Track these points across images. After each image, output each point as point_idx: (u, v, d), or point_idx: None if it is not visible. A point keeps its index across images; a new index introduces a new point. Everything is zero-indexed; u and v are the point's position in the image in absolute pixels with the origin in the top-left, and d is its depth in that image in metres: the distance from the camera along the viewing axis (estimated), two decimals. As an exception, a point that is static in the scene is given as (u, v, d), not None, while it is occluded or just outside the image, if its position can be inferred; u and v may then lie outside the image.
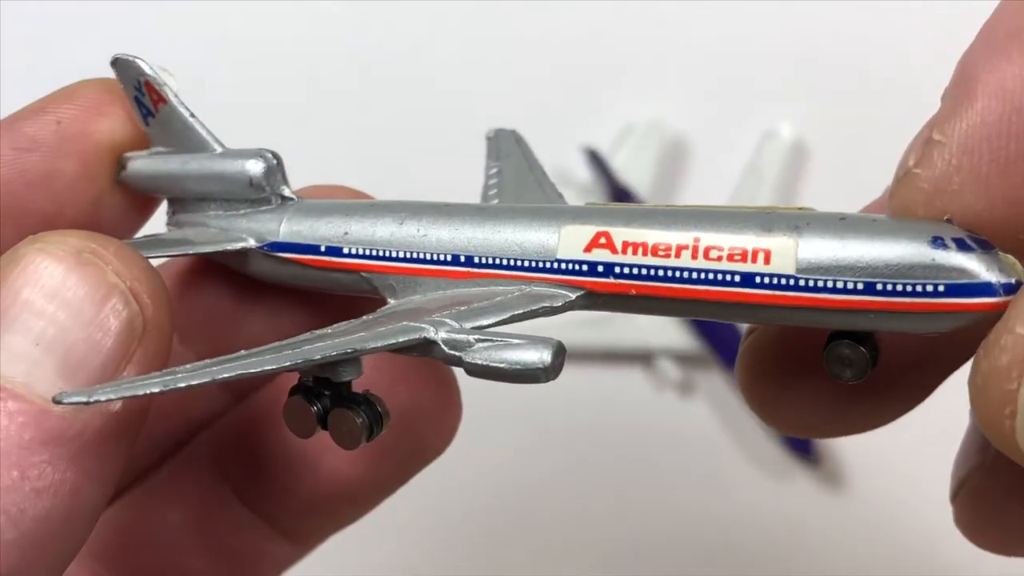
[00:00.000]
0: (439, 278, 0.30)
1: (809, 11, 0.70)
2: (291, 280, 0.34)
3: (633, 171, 0.70)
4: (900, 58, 0.67)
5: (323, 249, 0.32)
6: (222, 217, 0.34)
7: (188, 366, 0.25)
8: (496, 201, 0.36)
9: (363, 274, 0.32)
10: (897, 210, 0.24)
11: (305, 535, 0.38)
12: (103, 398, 0.24)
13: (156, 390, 0.24)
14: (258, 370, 0.24)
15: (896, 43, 0.67)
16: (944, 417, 0.64)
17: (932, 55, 0.59)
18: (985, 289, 0.23)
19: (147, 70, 0.33)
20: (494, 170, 0.37)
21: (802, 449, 0.65)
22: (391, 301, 0.31)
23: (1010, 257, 0.24)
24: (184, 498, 0.36)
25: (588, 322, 0.68)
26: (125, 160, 0.35)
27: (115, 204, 0.34)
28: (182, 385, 0.24)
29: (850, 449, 0.66)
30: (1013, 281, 0.23)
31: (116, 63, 0.34)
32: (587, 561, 0.66)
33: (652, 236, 0.26)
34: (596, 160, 0.70)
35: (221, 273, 0.36)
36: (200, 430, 0.37)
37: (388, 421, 0.28)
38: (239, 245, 0.34)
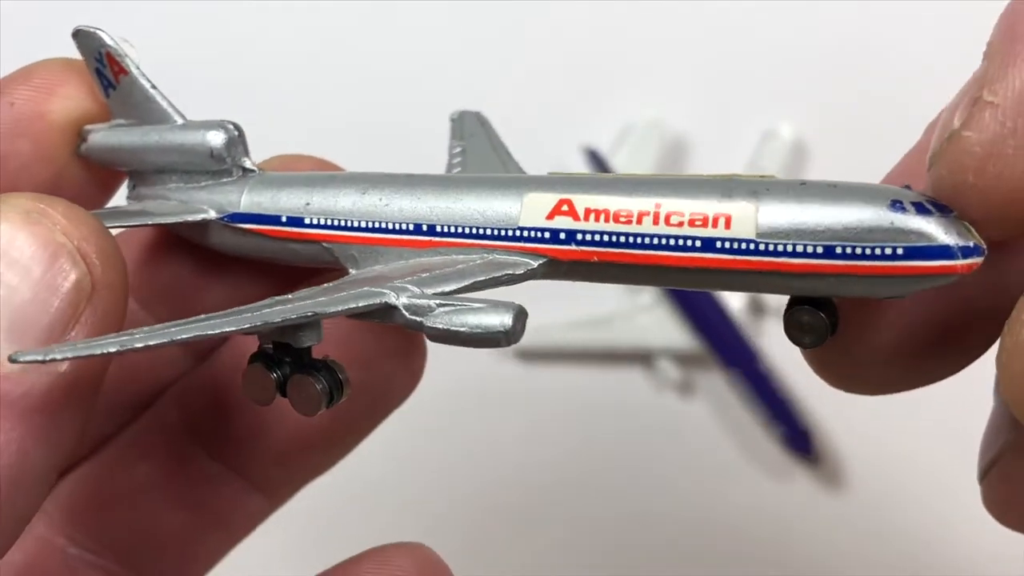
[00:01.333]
0: (401, 247, 0.30)
1: (809, 11, 0.69)
2: (252, 252, 0.34)
3: (633, 171, 0.70)
4: (900, 58, 0.67)
5: (284, 220, 0.32)
6: (183, 189, 0.34)
7: (146, 328, 0.25)
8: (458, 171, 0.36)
9: (325, 244, 0.32)
10: (942, 176, 0.23)
11: (276, 486, 0.38)
12: (59, 356, 0.23)
13: (113, 350, 0.24)
14: (216, 331, 0.25)
15: (896, 43, 0.67)
16: (944, 417, 0.64)
17: (933, 55, 0.59)
18: (944, 252, 0.23)
19: (108, 41, 0.33)
20: (457, 149, 0.38)
21: (802, 449, 0.65)
22: (352, 271, 0.31)
23: (965, 223, 0.24)
24: (152, 453, 0.36)
25: (588, 322, 0.68)
26: (85, 133, 0.34)
27: (75, 181, 0.34)
28: (139, 345, 0.24)
29: (850, 449, 0.66)
30: (971, 244, 0.23)
31: (77, 35, 0.34)
32: (586, 560, 0.66)
33: (614, 203, 0.27)
34: (596, 160, 0.70)
35: (184, 246, 0.36)
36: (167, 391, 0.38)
37: (348, 388, 0.28)
38: (199, 216, 0.33)
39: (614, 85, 0.73)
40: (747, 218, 0.25)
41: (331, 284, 0.28)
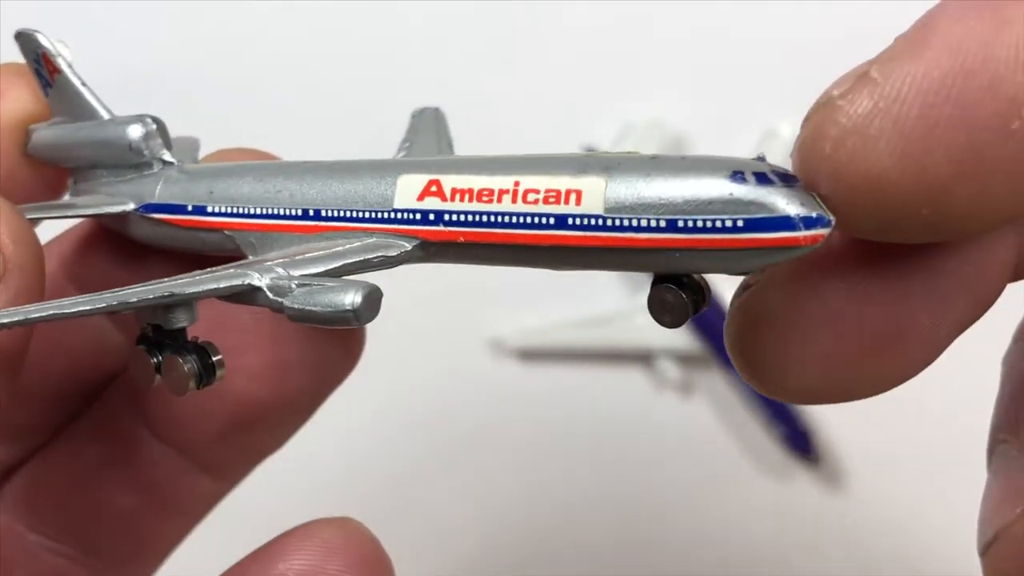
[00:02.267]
0: (292, 233, 0.30)
1: (809, 11, 0.69)
2: (168, 242, 0.34)
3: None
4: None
5: (190, 208, 0.33)
6: (112, 183, 0.35)
7: (9, 309, 0.26)
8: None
9: (226, 232, 0.32)
10: (803, 139, 0.23)
11: (223, 466, 0.38)
12: None
13: None
14: (72, 311, 0.25)
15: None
16: (945, 417, 0.64)
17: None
18: (784, 223, 0.22)
19: (43, 42, 0.34)
20: (406, 144, 0.38)
21: (802, 449, 0.65)
22: (251, 257, 0.31)
23: (815, 196, 0.23)
24: (102, 438, 0.37)
25: (588, 322, 0.68)
26: (30, 132, 0.35)
27: (24, 181, 0.35)
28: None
29: (850, 449, 0.66)
30: (814, 215, 0.22)
31: (19, 37, 0.35)
32: (586, 560, 0.66)
33: (478, 182, 0.26)
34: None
35: (118, 239, 0.37)
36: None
37: (222, 370, 0.28)
38: (118, 208, 0.34)
39: (614, 85, 0.73)
40: (596, 193, 0.24)
41: (216, 268, 0.29)
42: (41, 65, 0.35)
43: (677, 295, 0.25)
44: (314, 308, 0.25)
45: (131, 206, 0.34)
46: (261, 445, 0.38)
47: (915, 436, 0.64)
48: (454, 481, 0.66)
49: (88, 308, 0.26)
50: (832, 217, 0.22)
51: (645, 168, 0.24)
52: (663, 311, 0.25)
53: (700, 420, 0.68)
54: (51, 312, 0.25)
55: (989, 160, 0.21)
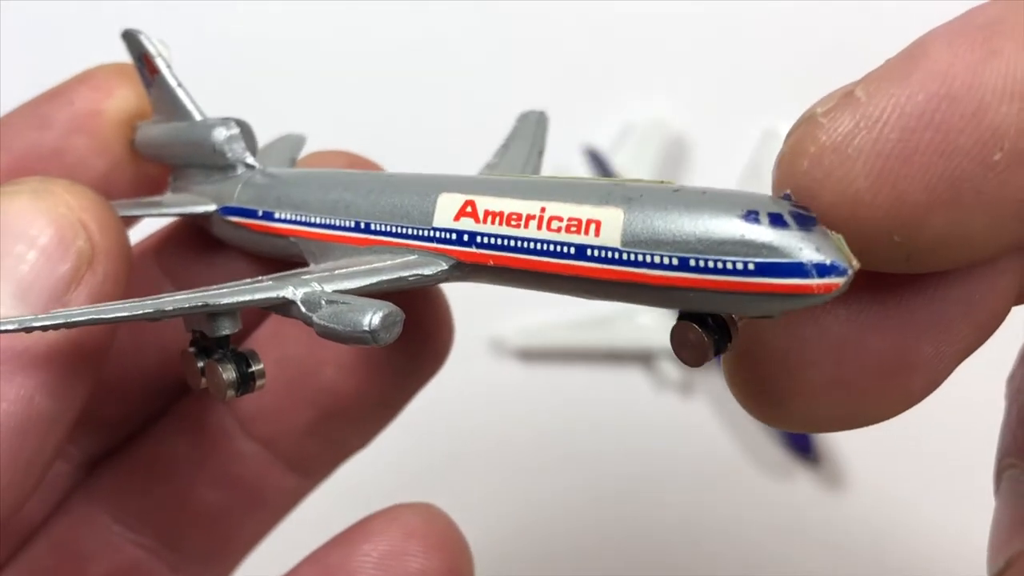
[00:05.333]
0: (346, 244, 0.31)
1: (810, 11, 0.69)
2: (244, 244, 0.35)
3: (634, 171, 0.70)
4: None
5: (260, 213, 0.33)
6: (201, 183, 0.36)
7: (49, 313, 0.27)
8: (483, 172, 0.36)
9: (291, 239, 0.33)
10: (783, 154, 0.22)
11: (309, 462, 0.38)
12: (10, 328, 0.25)
13: (45, 323, 0.26)
14: (111, 316, 0.26)
15: (897, 44, 0.67)
16: (945, 417, 0.64)
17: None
18: (796, 269, 0.21)
19: (144, 42, 0.35)
20: (502, 149, 0.38)
21: (802, 449, 0.65)
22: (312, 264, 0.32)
23: (838, 237, 0.22)
24: (191, 431, 0.38)
25: (588, 322, 0.68)
26: (135, 129, 0.36)
27: (128, 175, 0.36)
28: (36, 325, 0.26)
29: (850, 449, 0.66)
30: (828, 262, 0.21)
31: (125, 36, 0.36)
32: (585, 559, 0.66)
33: (508, 205, 0.26)
34: (597, 160, 0.70)
35: (207, 236, 0.38)
36: None
37: (262, 380, 0.29)
38: (200, 209, 0.35)
39: (615, 85, 0.73)
40: (615, 224, 0.24)
41: (257, 278, 0.29)
42: (143, 64, 0.36)
43: (699, 335, 0.24)
44: (336, 327, 0.26)
45: (212, 207, 0.35)
46: (347, 441, 0.38)
47: (915, 436, 0.64)
48: (454, 480, 0.66)
49: (127, 315, 0.26)
50: (852, 265, 0.21)
51: (664, 202, 0.23)
52: (683, 348, 0.24)
53: (700, 420, 0.68)
54: (90, 316, 0.26)
55: (967, 191, 0.20)
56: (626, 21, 0.73)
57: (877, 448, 0.65)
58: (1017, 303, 0.25)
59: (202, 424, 0.38)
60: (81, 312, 0.26)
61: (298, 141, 0.40)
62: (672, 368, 0.67)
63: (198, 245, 0.38)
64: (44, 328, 0.26)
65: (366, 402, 0.37)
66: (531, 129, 0.39)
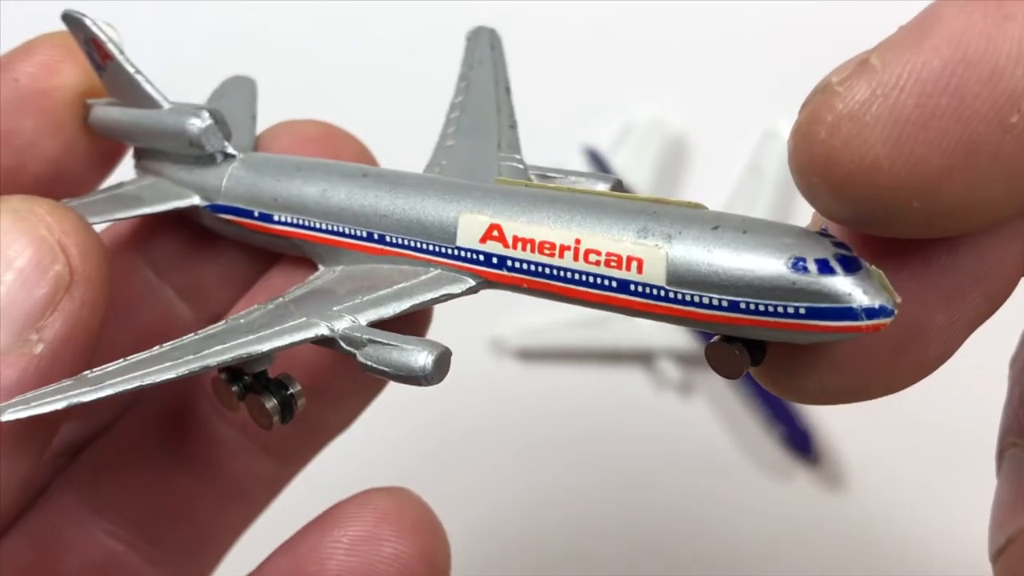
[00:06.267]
0: (358, 252, 0.31)
1: (810, 11, 0.69)
2: (240, 238, 0.35)
3: (633, 170, 0.70)
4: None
5: (256, 215, 0.33)
6: (177, 168, 0.35)
7: (73, 381, 0.27)
8: (455, 116, 0.36)
9: (295, 240, 0.33)
10: (800, 124, 0.22)
11: (286, 447, 0.38)
12: (61, 406, 0.26)
13: (61, 406, 0.26)
14: (155, 381, 0.26)
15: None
16: (945, 417, 0.64)
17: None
18: (847, 313, 0.22)
19: (91, 26, 0.34)
20: (463, 83, 0.38)
21: (802, 449, 0.65)
22: (320, 267, 0.32)
23: (879, 273, 0.23)
24: (166, 418, 0.37)
25: (588, 322, 0.68)
26: (88, 107, 0.35)
27: (82, 153, 0.35)
28: (67, 404, 0.26)
29: (850, 449, 0.66)
30: (876, 305, 0.22)
31: (67, 19, 0.34)
32: (585, 560, 0.66)
33: (539, 233, 0.27)
34: (596, 160, 0.70)
35: (190, 221, 0.37)
36: None
37: (302, 400, 0.30)
38: (186, 203, 0.35)
39: (615, 85, 0.73)
40: (658, 264, 0.25)
41: (286, 299, 0.30)
42: (92, 49, 0.34)
43: (735, 352, 0.25)
44: (386, 368, 0.26)
45: (197, 200, 0.35)
46: (324, 422, 0.38)
47: (915, 436, 0.64)
48: (454, 480, 0.66)
49: (173, 376, 0.26)
50: (896, 302, 0.23)
51: (706, 241, 0.24)
52: (721, 364, 0.25)
53: (700, 420, 0.68)
54: (136, 385, 0.26)
55: (984, 154, 0.20)
56: (626, 21, 0.73)
57: (877, 448, 0.65)
58: None
59: (176, 409, 0.37)
60: (120, 381, 0.26)
61: (249, 87, 0.40)
62: (672, 368, 0.67)
63: (188, 236, 0.37)
64: (88, 401, 0.26)
65: (344, 380, 0.36)
66: (488, 55, 0.38)
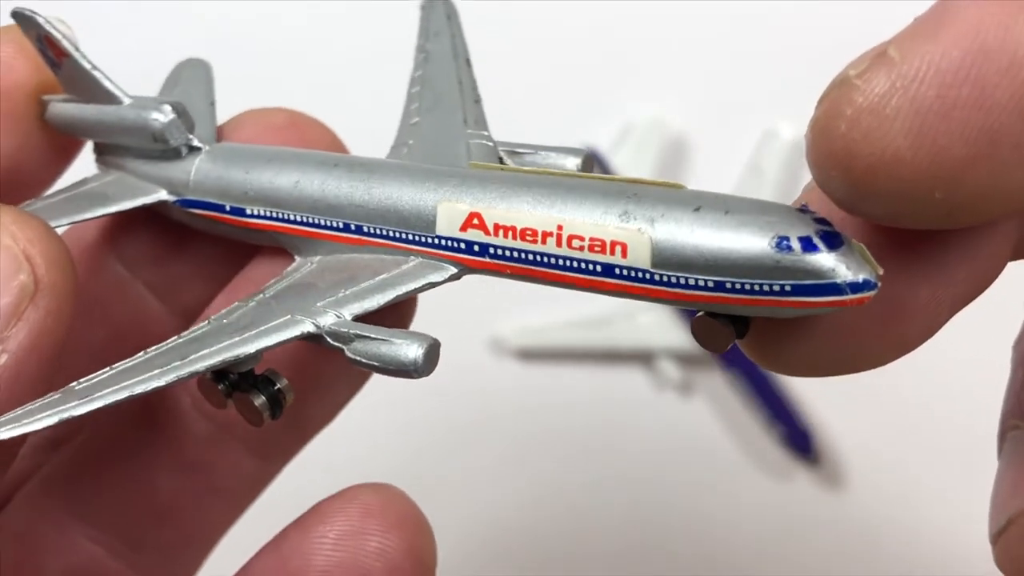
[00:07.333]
0: (335, 242, 0.31)
1: (810, 11, 0.69)
2: (213, 231, 0.35)
3: (633, 170, 0.70)
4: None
5: (228, 209, 0.33)
6: (141, 163, 0.35)
7: (61, 395, 0.26)
8: (416, 91, 0.36)
9: (270, 233, 0.32)
10: (818, 118, 0.22)
11: (267, 443, 0.38)
12: (51, 422, 0.25)
13: (51, 422, 0.25)
14: (145, 389, 0.26)
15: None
16: (945, 417, 0.64)
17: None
18: (832, 288, 0.23)
19: (43, 24, 0.33)
20: (421, 56, 0.37)
21: (802, 449, 0.65)
22: (297, 257, 0.32)
23: (860, 246, 0.23)
24: (145, 415, 0.37)
25: (588, 322, 0.68)
26: (45, 103, 0.35)
27: (39, 148, 0.35)
28: (58, 419, 0.25)
29: (850, 449, 0.66)
30: (860, 279, 0.23)
31: (16, 17, 0.34)
32: (584, 558, 0.66)
33: (520, 220, 0.27)
34: (596, 160, 0.70)
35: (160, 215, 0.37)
36: None
37: (291, 394, 0.29)
38: (154, 198, 0.34)
39: (614, 84, 0.73)
40: (642, 248, 0.25)
41: (266, 295, 0.30)
42: (45, 46, 0.34)
43: (721, 326, 0.25)
44: (375, 362, 0.26)
45: (164, 195, 0.34)
46: (310, 417, 0.38)
47: (915, 436, 0.64)
48: (453, 480, 0.66)
49: (163, 383, 0.26)
50: (879, 277, 0.23)
51: (689, 223, 0.24)
52: (707, 338, 0.26)
53: (700, 420, 0.68)
54: (126, 395, 0.26)
55: (1005, 143, 0.20)
56: (626, 21, 0.73)
57: (877, 448, 0.65)
58: (1015, 258, 0.26)
59: (154, 404, 0.37)
60: (110, 392, 0.26)
61: (204, 71, 0.39)
62: (672, 368, 0.67)
63: (158, 230, 0.37)
64: (80, 414, 0.26)
65: (326, 373, 0.36)
66: (445, 26, 0.38)
